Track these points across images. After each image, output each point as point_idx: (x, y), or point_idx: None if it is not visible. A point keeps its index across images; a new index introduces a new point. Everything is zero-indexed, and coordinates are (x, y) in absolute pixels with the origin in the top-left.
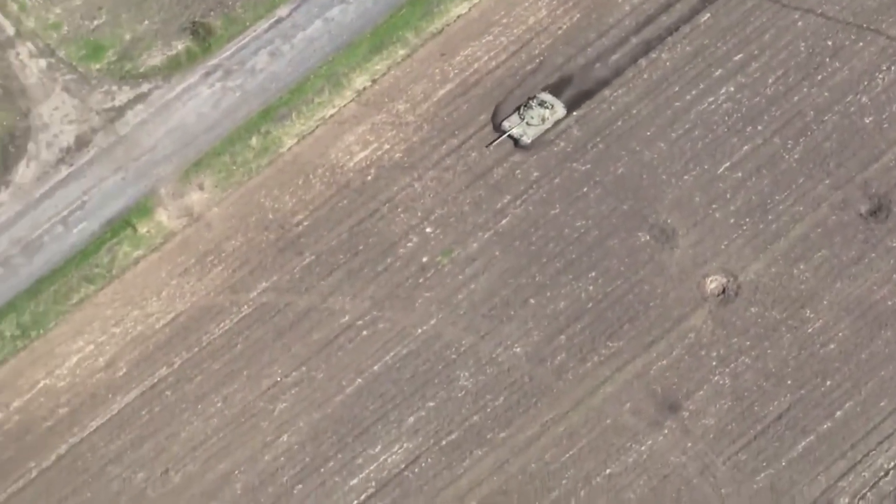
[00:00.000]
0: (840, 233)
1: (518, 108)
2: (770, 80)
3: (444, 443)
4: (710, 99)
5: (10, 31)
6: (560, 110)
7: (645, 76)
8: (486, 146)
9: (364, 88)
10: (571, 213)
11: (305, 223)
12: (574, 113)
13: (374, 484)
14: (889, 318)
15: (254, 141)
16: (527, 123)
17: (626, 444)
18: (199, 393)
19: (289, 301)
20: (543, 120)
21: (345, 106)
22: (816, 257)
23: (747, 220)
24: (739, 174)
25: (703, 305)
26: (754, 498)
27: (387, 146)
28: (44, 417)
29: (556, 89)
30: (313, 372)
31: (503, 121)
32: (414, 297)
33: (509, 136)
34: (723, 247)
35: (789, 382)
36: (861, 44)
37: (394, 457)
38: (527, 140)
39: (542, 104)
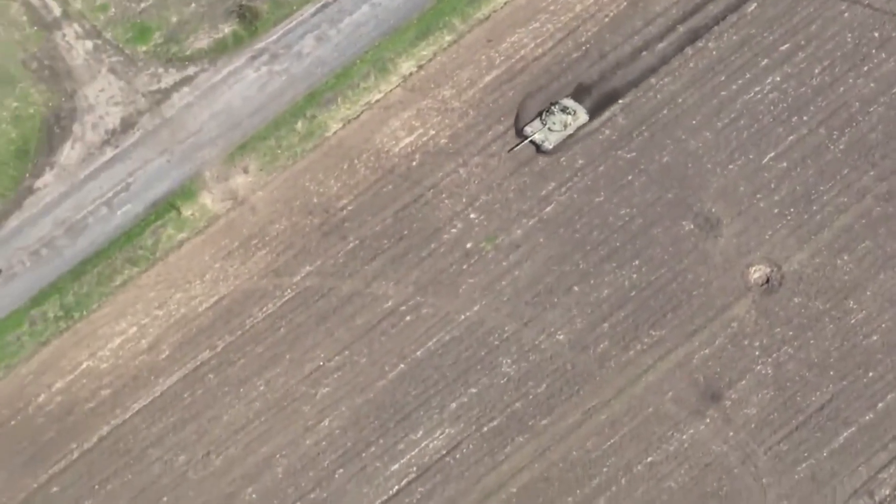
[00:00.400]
0: (884, 224)
1: (540, 114)
2: (816, 71)
3: (485, 429)
4: (756, 89)
5: (57, 11)
6: (582, 116)
7: (691, 65)
8: (508, 151)
9: (410, 74)
10: (616, 200)
11: (350, 208)
12: (595, 119)
13: (415, 469)
14: None
15: (299, 125)
16: (549, 129)
17: (668, 432)
18: (241, 376)
19: (332, 285)
20: (566, 126)
21: (391, 91)
22: (860, 248)
23: (792, 210)
24: (784, 164)
25: (747, 295)
26: (795, 488)
27: (432, 132)
28: (86, 399)
29: (578, 95)
30: (356, 357)
31: (525, 126)
32: (458, 283)
33: (531, 141)
34: (767, 236)
35: (832, 373)
36: None
37: (435, 442)
38: (548, 146)
39: (564, 110)
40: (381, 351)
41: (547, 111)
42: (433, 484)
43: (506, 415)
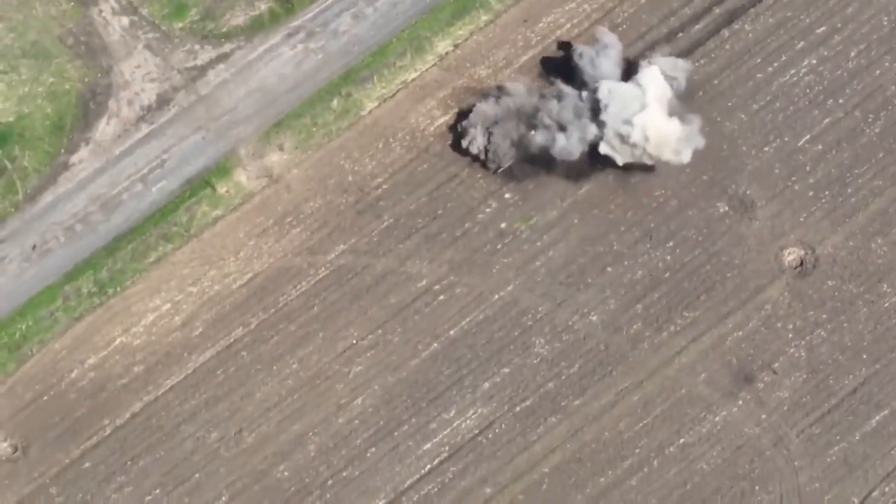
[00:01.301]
0: None
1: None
2: (852, 54)
3: (518, 409)
4: (792, 71)
5: None
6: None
7: (727, 47)
8: (493, 172)
9: (446, 53)
10: (650, 181)
11: (384, 186)
12: None
13: (447, 449)
14: None
15: (335, 103)
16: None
17: (701, 414)
18: (274, 354)
19: (366, 264)
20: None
21: (426, 70)
22: (894, 231)
23: (826, 193)
24: (820, 147)
25: (781, 277)
26: (827, 471)
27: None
28: (119, 375)
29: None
30: (389, 335)
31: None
32: (491, 263)
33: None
34: (801, 219)
35: (864, 356)
36: None
37: (468, 422)
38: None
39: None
40: (414, 330)
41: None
42: (465, 463)
43: (539, 395)
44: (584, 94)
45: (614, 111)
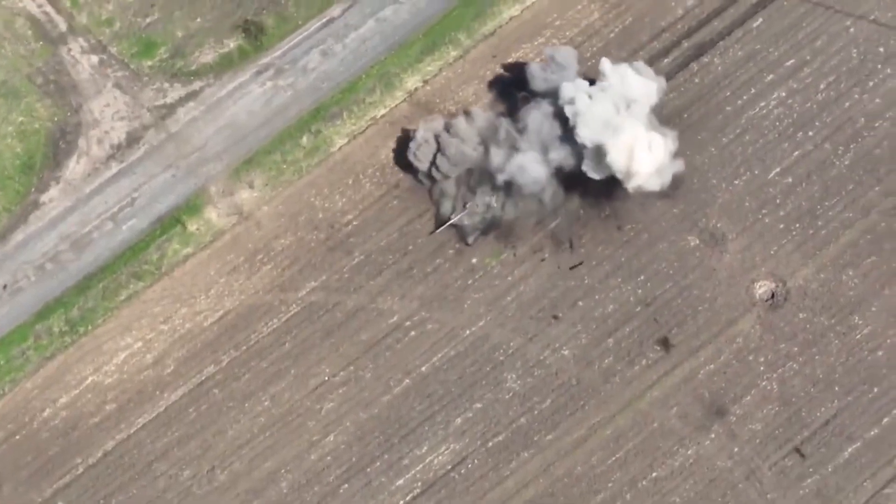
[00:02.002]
0: (889, 239)
1: (462, 196)
2: (821, 86)
3: (490, 444)
4: (762, 104)
5: (63, 26)
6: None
7: (696, 80)
8: (430, 233)
9: (416, 89)
10: (621, 215)
11: (355, 223)
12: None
13: (420, 485)
14: None
15: (304, 140)
16: (472, 212)
17: (673, 447)
18: (246, 391)
19: (337, 300)
20: (488, 207)
21: (396, 106)
22: (865, 264)
23: (797, 225)
24: (790, 179)
25: (752, 310)
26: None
27: None
28: (91, 413)
29: None
30: (361, 372)
31: (452, 212)
32: (462, 299)
33: (453, 224)
34: (772, 252)
35: (837, 389)
36: None
37: (440, 458)
38: (470, 229)
39: (486, 192)
40: (386, 366)
41: (469, 192)
42: (438, 499)
43: (511, 430)
44: (544, 109)
45: (587, 120)
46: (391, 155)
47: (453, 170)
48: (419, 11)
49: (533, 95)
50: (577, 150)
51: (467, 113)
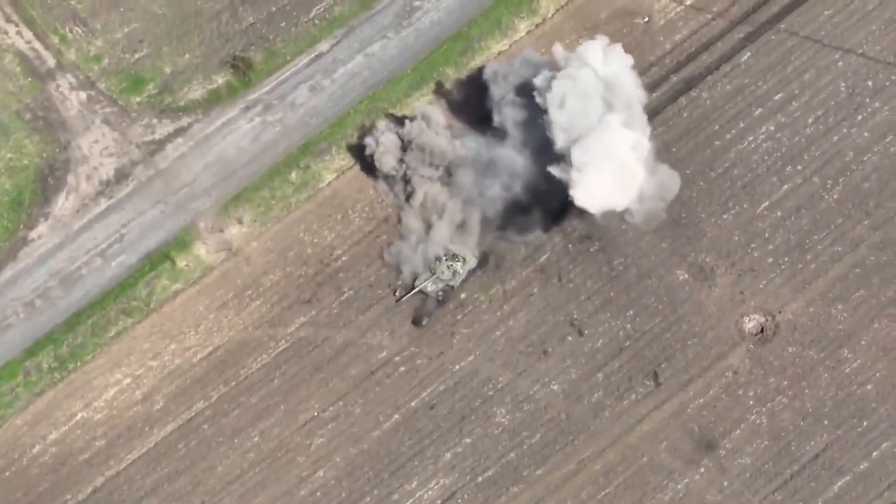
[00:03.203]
0: (878, 273)
1: (430, 264)
2: (810, 120)
3: (480, 479)
4: (750, 138)
5: (51, 62)
6: (472, 261)
7: (685, 115)
8: (396, 301)
9: None
10: (610, 250)
11: (344, 258)
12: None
13: None
14: None
15: (293, 175)
16: (438, 279)
17: (663, 482)
18: (235, 427)
19: (326, 336)
20: (455, 274)
21: None
22: (854, 297)
23: (786, 259)
24: (778, 213)
25: (741, 344)
26: None
27: None
28: (80, 450)
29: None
30: (350, 407)
31: (416, 278)
32: (452, 334)
33: (421, 291)
34: (761, 286)
35: (826, 422)
36: None
37: (430, 493)
38: (440, 295)
39: (452, 258)
40: (375, 401)
41: (436, 260)
42: None
43: (500, 465)
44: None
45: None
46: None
47: (427, 169)
48: (407, 47)
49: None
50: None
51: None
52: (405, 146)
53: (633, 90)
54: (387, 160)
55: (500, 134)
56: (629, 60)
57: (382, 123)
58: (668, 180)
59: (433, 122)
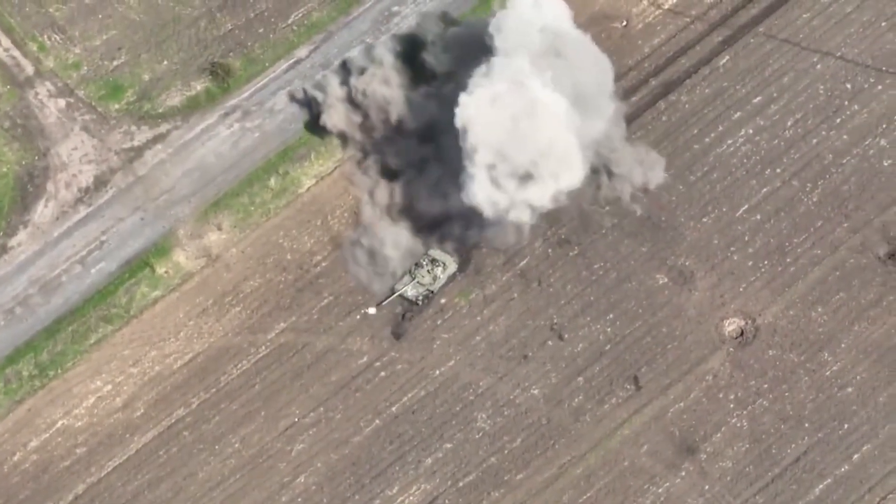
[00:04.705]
0: (858, 276)
1: (409, 269)
2: (789, 123)
3: (461, 484)
4: (729, 141)
5: (30, 70)
6: (452, 266)
7: (664, 118)
8: (377, 305)
9: None
10: (590, 254)
11: (324, 264)
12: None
13: None
14: None
15: (272, 181)
16: (418, 283)
17: (644, 486)
18: (216, 433)
19: (307, 342)
20: (435, 279)
21: None
22: (834, 300)
23: (765, 262)
24: (758, 217)
25: (721, 348)
26: None
27: None
28: (61, 457)
29: None
30: (331, 413)
31: (396, 283)
32: (432, 339)
33: (401, 296)
34: (741, 289)
35: (807, 425)
36: (880, 87)
37: (411, 498)
38: (420, 300)
39: (433, 262)
40: (355, 407)
41: (416, 265)
42: None
43: (481, 469)
44: None
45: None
46: (358, 196)
47: (377, 112)
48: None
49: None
50: None
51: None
52: (354, 99)
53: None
54: (334, 115)
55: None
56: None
57: (330, 75)
58: (652, 163)
59: (385, 69)
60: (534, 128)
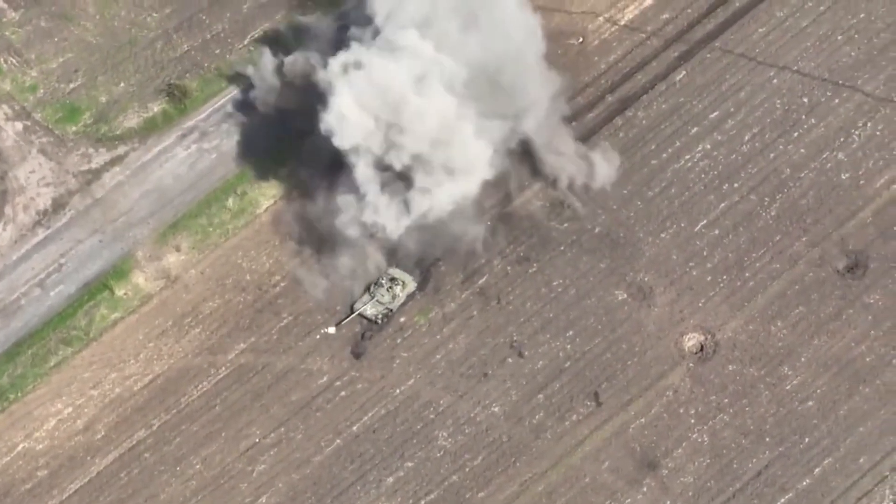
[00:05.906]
0: (817, 290)
1: (368, 287)
2: (746, 138)
3: (423, 503)
4: (687, 157)
5: None
6: (411, 285)
7: (621, 135)
8: (336, 325)
9: None
10: (548, 271)
11: (283, 284)
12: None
13: None
14: (867, 374)
15: (230, 202)
16: (377, 302)
17: (605, 502)
18: (177, 455)
19: (267, 362)
20: (394, 298)
21: None
22: (794, 314)
23: (724, 277)
24: (716, 232)
25: (681, 363)
26: None
27: None
28: (22, 480)
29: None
30: (292, 433)
31: (355, 302)
32: (392, 357)
33: (360, 314)
34: (700, 304)
35: (768, 439)
36: (837, 100)
37: None
38: (380, 319)
39: (392, 280)
40: (316, 426)
41: (375, 284)
42: None
43: (443, 488)
44: None
45: None
46: None
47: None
48: None
49: None
50: None
51: None
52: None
53: None
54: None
55: None
56: None
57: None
58: (605, 157)
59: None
60: (417, 114)
